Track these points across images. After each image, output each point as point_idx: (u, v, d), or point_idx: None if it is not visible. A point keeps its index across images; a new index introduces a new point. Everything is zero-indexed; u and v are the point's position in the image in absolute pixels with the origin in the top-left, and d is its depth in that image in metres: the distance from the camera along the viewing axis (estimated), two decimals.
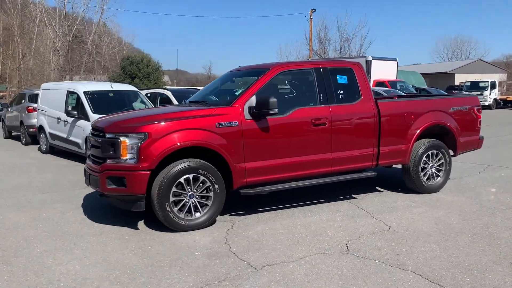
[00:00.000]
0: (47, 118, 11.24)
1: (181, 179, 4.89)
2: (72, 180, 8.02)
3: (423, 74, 37.86)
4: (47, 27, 44.14)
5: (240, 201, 6.05)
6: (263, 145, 5.30)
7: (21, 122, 13.89)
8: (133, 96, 10.70)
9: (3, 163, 10.31)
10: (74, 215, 5.73)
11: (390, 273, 3.82)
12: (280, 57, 55.76)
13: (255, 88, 5.36)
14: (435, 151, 6.51)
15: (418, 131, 6.28)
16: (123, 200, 5.00)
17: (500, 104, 33.43)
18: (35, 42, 44.81)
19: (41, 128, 11.67)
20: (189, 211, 4.99)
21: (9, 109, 15.95)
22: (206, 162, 5.02)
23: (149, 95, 12.08)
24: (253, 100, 5.21)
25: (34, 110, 12.71)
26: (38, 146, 12.25)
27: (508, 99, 34.58)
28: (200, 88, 12.02)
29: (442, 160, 6.58)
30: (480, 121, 7.03)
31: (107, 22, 52.15)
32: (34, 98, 13.35)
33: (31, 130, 13.07)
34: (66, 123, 10.10)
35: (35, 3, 45.09)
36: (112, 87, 10.54)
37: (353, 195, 6.48)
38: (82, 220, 5.54)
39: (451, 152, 6.79)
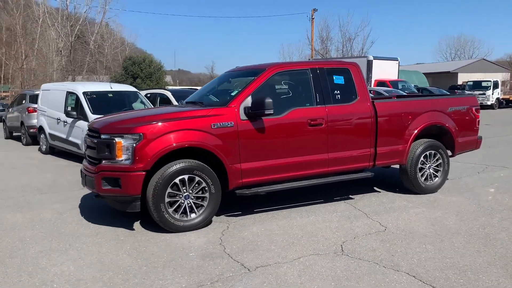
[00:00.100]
0: (47, 119, 11.27)
1: (177, 180, 4.89)
2: (71, 181, 8.03)
3: (426, 74, 37.76)
4: (49, 27, 44.22)
5: (236, 202, 6.05)
6: (258, 145, 5.30)
7: (22, 123, 13.92)
8: (133, 96, 10.72)
9: (3, 164, 10.35)
10: (71, 216, 5.74)
11: (383, 274, 3.81)
12: (283, 57, 55.86)
13: (251, 89, 5.36)
14: (433, 152, 6.49)
15: (416, 132, 6.26)
16: (118, 201, 5.00)
17: (503, 103, 33.31)
18: (38, 43, 44.88)
19: (41, 129, 11.71)
20: (184, 212, 4.99)
21: (10, 110, 16.01)
22: (202, 163, 5.02)
23: (149, 95, 12.09)
24: (248, 101, 5.21)
25: (35, 110, 12.74)
26: (39, 146, 12.28)
27: (511, 98, 34.47)
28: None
29: (440, 161, 6.56)
30: (479, 121, 7.00)
31: (110, 23, 52.27)
32: (34, 98, 13.38)
33: (31, 130, 13.11)
34: (65, 123, 10.12)
35: (38, 4, 45.23)
36: (111, 88, 10.56)
37: (350, 196, 6.47)
38: (78, 220, 5.55)
39: (449, 153, 6.77)
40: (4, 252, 4.47)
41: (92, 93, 10.03)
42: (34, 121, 12.74)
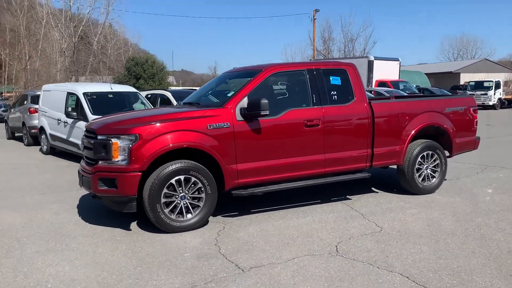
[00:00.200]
0: (48, 119, 11.32)
1: (173, 181, 4.91)
2: (70, 181, 8.06)
3: (428, 74, 37.69)
4: (53, 28, 44.37)
5: (233, 202, 6.07)
6: (255, 146, 5.31)
7: (23, 123, 13.99)
8: (133, 97, 10.75)
9: (4, 164, 10.40)
10: (68, 216, 5.77)
11: (377, 274, 3.81)
12: (285, 57, 55.88)
13: (247, 90, 5.37)
14: (430, 152, 6.48)
15: (413, 132, 6.26)
16: (114, 201, 5.03)
17: (505, 104, 33.19)
18: (42, 43, 45.06)
19: (42, 129, 11.77)
20: (180, 213, 5.01)
21: (12, 110, 16.09)
22: (198, 164, 5.04)
23: (149, 96, 12.13)
24: (244, 102, 5.22)
25: (36, 111, 12.80)
26: (40, 147, 12.34)
27: None
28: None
29: (438, 161, 6.55)
30: (477, 121, 6.99)
31: (113, 23, 52.43)
32: (36, 99, 13.44)
33: (32, 131, 13.17)
34: (66, 124, 10.17)
35: (41, 5, 45.38)
36: (111, 89, 10.60)
37: (348, 196, 6.47)
38: (76, 221, 5.58)
39: (447, 153, 6.76)
40: (0, 252, 4.50)
41: (92, 93, 10.07)
42: (36, 122, 12.79)
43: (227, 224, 5.29)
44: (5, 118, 17.35)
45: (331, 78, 5.87)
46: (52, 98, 11.33)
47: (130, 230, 5.15)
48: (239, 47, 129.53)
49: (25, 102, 14.53)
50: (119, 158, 4.84)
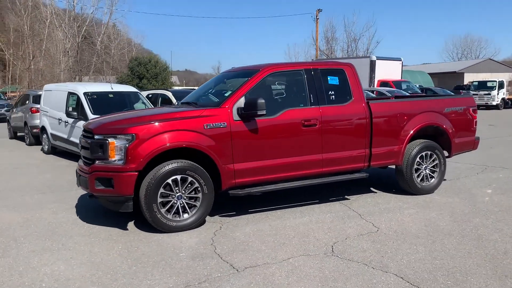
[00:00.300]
0: (49, 119, 11.36)
1: (169, 180, 4.92)
2: (70, 181, 8.07)
3: (432, 74, 37.55)
4: (57, 28, 44.53)
5: (231, 202, 6.07)
6: (252, 146, 5.31)
7: (25, 123, 14.03)
8: (133, 97, 10.77)
9: (5, 163, 10.44)
10: (66, 216, 5.79)
11: (371, 275, 3.80)
12: (288, 57, 55.99)
13: (244, 89, 5.37)
14: (429, 152, 6.46)
15: (411, 132, 6.24)
16: (111, 201, 5.04)
17: (508, 103, 32.99)
18: (45, 43, 45.21)
19: (43, 129, 11.80)
20: (177, 212, 5.01)
21: (14, 110, 16.14)
22: (194, 163, 5.04)
23: (150, 96, 12.16)
24: (241, 101, 5.22)
25: (38, 111, 12.84)
26: (41, 146, 12.38)
27: None
28: None
29: (437, 161, 6.53)
30: (476, 121, 6.96)
31: (116, 23, 52.56)
32: (37, 99, 13.48)
33: (34, 130, 13.21)
34: (66, 124, 10.20)
35: (45, 5, 45.57)
36: (112, 88, 10.62)
37: (346, 196, 6.46)
38: (73, 220, 5.59)
39: (446, 153, 6.73)
40: None
41: (93, 93, 10.09)
42: (37, 121, 12.84)
43: (224, 224, 5.29)
44: (7, 117, 17.42)
45: (329, 78, 5.86)
46: (53, 98, 11.37)
47: (127, 229, 5.16)
48: (243, 47, 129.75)
49: (27, 102, 14.59)
50: (115, 157, 4.85)
